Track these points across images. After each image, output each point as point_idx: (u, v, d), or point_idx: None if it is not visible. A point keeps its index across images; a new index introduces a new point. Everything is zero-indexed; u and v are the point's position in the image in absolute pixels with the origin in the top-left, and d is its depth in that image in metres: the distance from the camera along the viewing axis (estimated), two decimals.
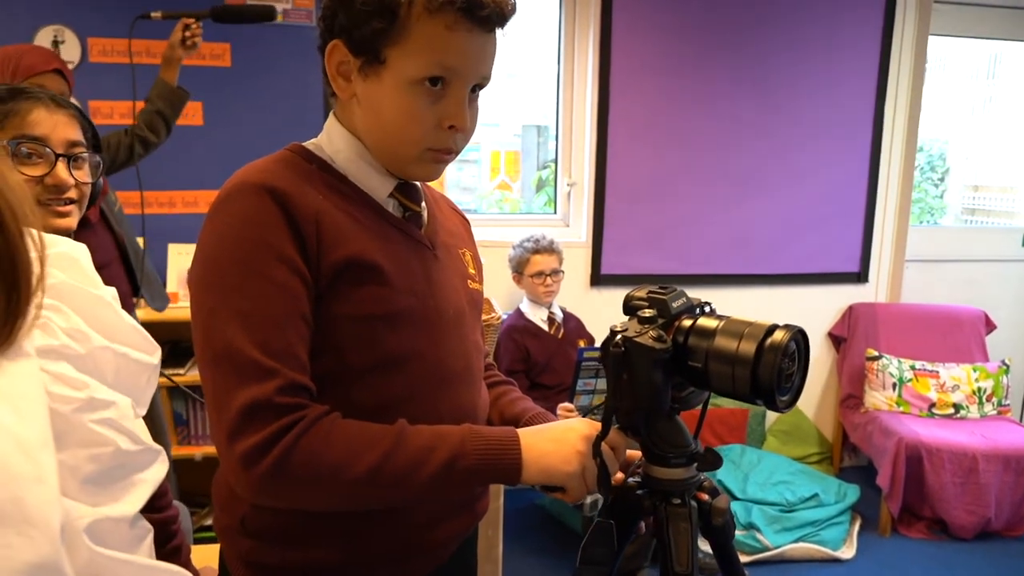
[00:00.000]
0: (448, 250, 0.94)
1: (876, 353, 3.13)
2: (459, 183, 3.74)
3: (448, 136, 0.81)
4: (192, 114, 2.68)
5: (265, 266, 0.74)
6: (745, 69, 3.04)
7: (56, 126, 1.12)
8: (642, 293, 0.84)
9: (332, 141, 0.86)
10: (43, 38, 2.56)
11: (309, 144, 0.87)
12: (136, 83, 2.07)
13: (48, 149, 1.11)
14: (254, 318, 0.73)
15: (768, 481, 2.88)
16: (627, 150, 3.02)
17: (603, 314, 3.07)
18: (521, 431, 0.82)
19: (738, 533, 2.68)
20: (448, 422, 0.81)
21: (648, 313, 0.80)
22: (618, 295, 3.09)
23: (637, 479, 0.84)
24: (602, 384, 2.44)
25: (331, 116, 0.88)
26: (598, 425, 0.81)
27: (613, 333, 0.78)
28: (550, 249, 2.69)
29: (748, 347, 0.75)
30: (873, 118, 3.18)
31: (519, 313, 2.71)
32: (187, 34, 2.01)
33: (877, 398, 3.08)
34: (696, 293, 3.10)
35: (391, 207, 0.87)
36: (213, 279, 0.75)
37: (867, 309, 3.27)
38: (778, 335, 0.75)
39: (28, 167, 1.09)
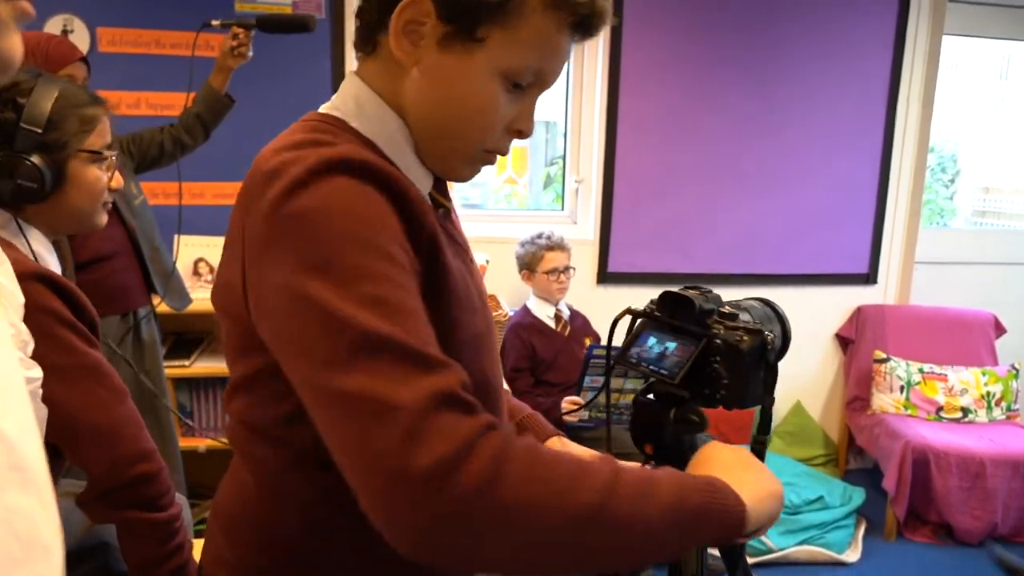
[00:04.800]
0: (469, 249, 0.84)
1: (884, 355, 3.11)
2: None
3: (507, 140, 0.73)
4: None
5: (390, 246, 0.59)
6: (756, 67, 3.01)
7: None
8: (695, 292, 0.81)
9: (368, 118, 0.70)
10: (52, 27, 2.55)
11: (333, 111, 0.72)
12: (143, 73, 2.07)
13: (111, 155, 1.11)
14: (392, 305, 0.56)
15: None
16: (635, 147, 3.00)
17: (609, 312, 3.03)
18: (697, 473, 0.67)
19: None
20: None
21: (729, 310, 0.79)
22: (625, 293, 3.09)
23: None
24: (612, 382, 2.42)
25: (357, 82, 0.72)
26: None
27: (759, 332, 0.75)
28: (562, 246, 2.67)
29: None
30: (885, 117, 3.15)
31: (525, 310, 2.69)
32: (234, 43, 2.00)
33: (884, 400, 3.06)
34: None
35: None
36: (324, 264, 0.57)
37: (875, 311, 3.25)
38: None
39: (103, 173, 1.09)
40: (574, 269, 2.71)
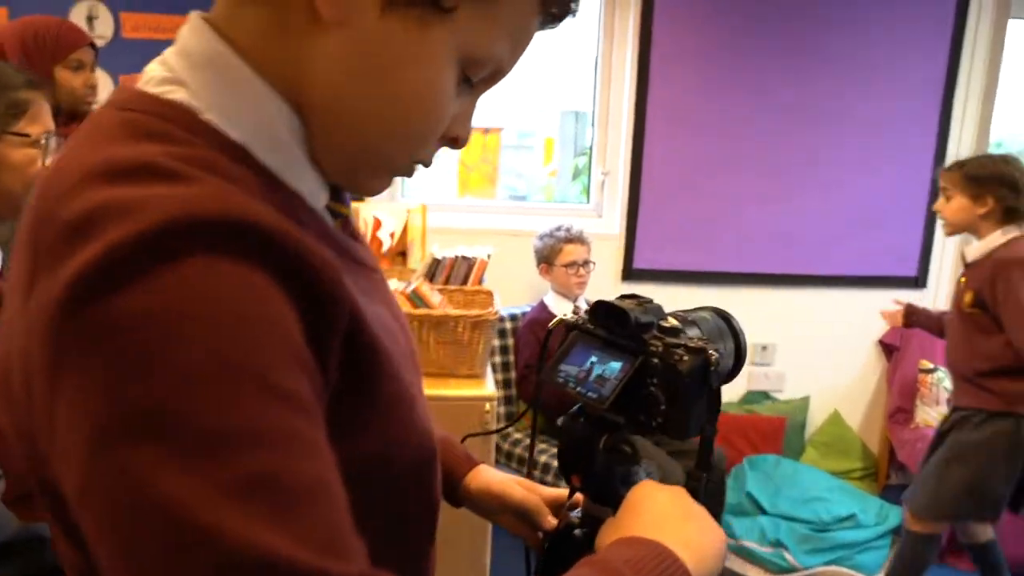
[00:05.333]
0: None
1: (931, 365, 2.89)
2: (513, 170, 3.65)
3: (439, 148, 0.55)
4: None
5: (281, 374, 0.38)
6: (797, 53, 2.82)
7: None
8: (631, 302, 0.70)
9: (234, 102, 0.47)
10: (78, 14, 2.57)
11: (172, 92, 0.46)
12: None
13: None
14: (281, 489, 0.36)
15: (802, 497, 2.70)
16: (665, 138, 2.85)
17: None
18: (633, 529, 0.56)
19: (764, 551, 2.52)
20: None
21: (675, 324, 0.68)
22: (651, 291, 2.93)
23: (576, 517, 0.72)
24: None
25: (212, 37, 0.47)
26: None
27: (701, 350, 0.63)
28: (581, 239, 2.57)
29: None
30: (940, 108, 2.92)
31: (542, 306, 2.60)
32: None
33: (929, 414, 2.85)
34: (736, 293, 2.92)
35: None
36: (165, 417, 0.35)
37: None
38: None
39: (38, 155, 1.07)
40: (594, 263, 2.60)
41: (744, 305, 3.00)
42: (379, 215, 2.29)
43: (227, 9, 0.49)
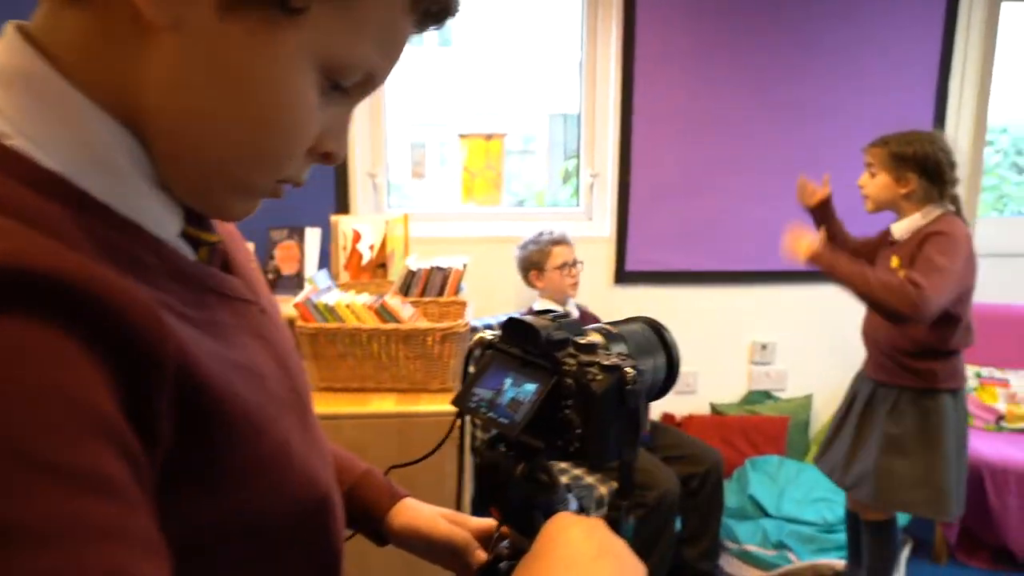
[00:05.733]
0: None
1: None
2: (517, 175, 3.62)
3: (309, 164, 0.50)
4: None
5: (83, 452, 0.33)
6: (785, 49, 2.77)
7: None
8: (543, 319, 0.66)
9: (48, 124, 0.41)
10: None
11: None
12: None
13: None
14: None
15: (807, 498, 2.63)
16: (654, 138, 2.80)
17: (628, 314, 2.86)
18: (541, 570, 0.52)
19: (768, 553, 2.46)
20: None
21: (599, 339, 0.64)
22: (644, 293, 2.92)
23: (506, 548, 0.68)
24: None
25: (24, 49, 0.41)
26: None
27: (616, 368, 0.58)
28: (566, 240, 2.54)
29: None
30: (936, 96, 2.85)
31: (530, 313, 2.56)
32: None
33: None
34: (733, 292, 2.85)
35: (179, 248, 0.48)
36: None
37: None
38: None
39: None
40: (582, 263, 2.56)
41: (742, 303, 2.95)
42: (358, 227, 2.27)
43: (45, 18, 0.42)
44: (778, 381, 3.03)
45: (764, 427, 2.91)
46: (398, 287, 1.84)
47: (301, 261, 2.63)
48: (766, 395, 3.02)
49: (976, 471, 2.45)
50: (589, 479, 2.22)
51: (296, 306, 1.54)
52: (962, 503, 1.96)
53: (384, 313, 1.55)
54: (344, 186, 2.75)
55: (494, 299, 2.80)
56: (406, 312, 1.62)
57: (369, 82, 0.49)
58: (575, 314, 2.58)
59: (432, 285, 1.84)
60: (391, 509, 0.73)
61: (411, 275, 1.83)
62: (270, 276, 2.62)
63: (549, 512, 0.62)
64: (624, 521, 0.62)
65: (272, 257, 2.64)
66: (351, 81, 0.47)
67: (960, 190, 2.93)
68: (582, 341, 0.62)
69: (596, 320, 2.68)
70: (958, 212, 1.94)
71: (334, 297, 1.58)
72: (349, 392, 1.56)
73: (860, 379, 2.12)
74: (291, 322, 1.54)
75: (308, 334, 1.51)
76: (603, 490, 2.18)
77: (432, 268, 1.83)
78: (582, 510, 0.68)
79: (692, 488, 2.27)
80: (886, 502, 1.97)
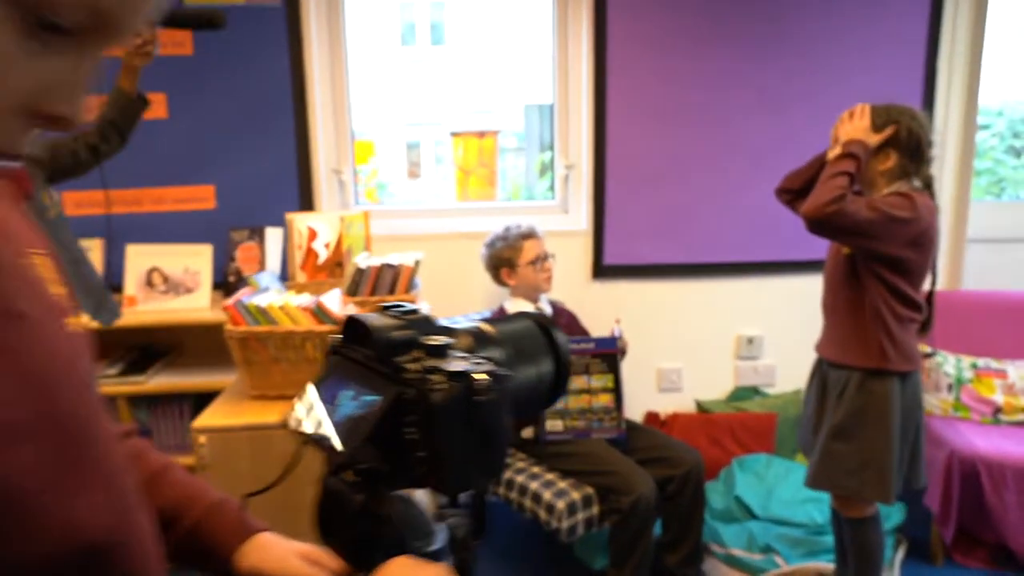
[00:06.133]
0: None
1: (929, 349, 2.69)
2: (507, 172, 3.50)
3: (29, 129, 0.41)
4: (155, 106, 2.55)
5: None
6: (765, 27, 2.65)
7: None
8: (387, 316, 0.55)
9: None
10: None
11: None
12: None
13: None
14: None
15: (795, 498, 2.52)
16: (630, 126, 2.69)
17: (606, 310, 2.77)
18: None
19: (755, 558, 2.35)
20: None
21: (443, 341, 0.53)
22: (623, 288, 2.79)
23: None
24: (573, 383, 2.17)
25: None
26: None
27: (463, 375, 0.48)
28: (535, 233, 2.43)
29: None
30: (924, 76, 2.72)
31: (500, 312, 2.45)
32: (138, 40, 1.86)
33: (929, 401, 2.65)
34: (716, 284, 2.71)
35: None
36: None
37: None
38: None
39: None
40: (554, 256, 2.45)
41: (726, 296, 2.84)
42: (314, 225, 2.16)
43: None
44: (766, 376, 2.92)
45: (752, 424, 2.79)
46: (347, 286, 1.74)
47: (262, 262, 2.53)
48: (754, 391, 2.91)
49: (971, 467, 2.33)
50: (575, 494, 2.11)
51: (226, 308, 1.44)
52: (921, 481, 1.91)
53: (321, 314, 1.45)
54: (308, 183, 2.65)
55: (463, 297, 2.70)
56: (346, 311, 1.51)
57: (103, 24, 0.38)
58: (548, 311, 2.47)
59: (382, 283, 1.74)
60: (239, 548, 0.62)
61: (360, 273, 1.73)
62: (231, 279, 2.52)
63: (392, 551, 0.51)
64: (474, 565, 0.51)
65: (233, 259, 2.55)
66: (70, 20, 0.37)
67: (948, 173, 2.82)
68: (430, 343, 0.52)
69: (572, 317, 2.57)
70: (929, 192, 1.82)
71: (267, 299, 1.48)
72: (284, 400, 1.45)
73: (819, 356, 2.03)
74: (221, 326, 1.44)
75: (237, 338, 1.41)
76: (576, 496, 2.07)
77: (382, 266, 1.73)
78: (455, 542, 0.57)
79: (671, 491, 2.16)
80: (829, 485, 1.91)
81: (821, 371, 2.00)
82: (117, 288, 2.43)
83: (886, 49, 2.69)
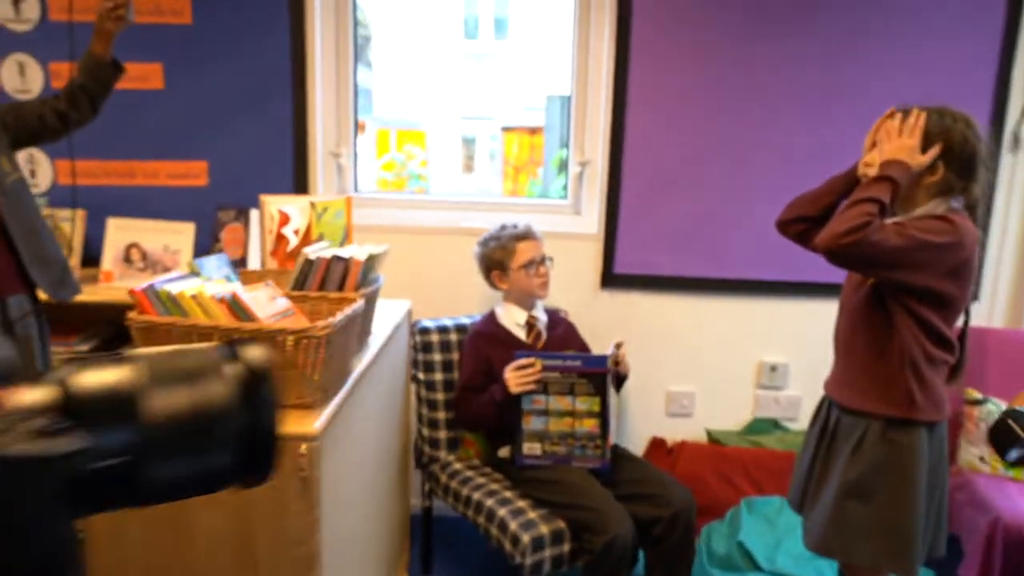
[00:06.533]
0: None
1: (980, 396, 2.36)
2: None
3: None
4: (151, 77, 2.45)
5: None
6: (809, 13, 2.36)
7: None
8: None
9: None
10: None
11: None
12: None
13: None
14: None
15: (807, 552, 2.22)
16: (651, 119, 2.44)
17: (614, 322, 2.54)
18: None
19: None
20: None
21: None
22: (634, 301, 2.52)
23: None
24: (555, 403, 1.95)
25: None
26: None
27: None
28: (532, 234, 2.22)
29: None
30: (995, 81, 2.38)
31: (491, 318, 2.25)
32: (109, 4, 1.75)
33: (974, 456, 2.32)
34: (738, 304, 2.40)
35: None
36: None
37: (974, 336, 2.48)
38: None
39: None
40: (551, 259, 2.23)
41: (750, 317, 2.56)
42: (286, 209, 2.01)
43: None
44: (789, 409, 2.63)
45: (768, 462, 2.51)
46: (294, 279, 1.57)
47: (246, 245, 2.40)
48: (774, 424, 2.62)
49: (1018, 538, 2.00)
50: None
51: (133, 293, 1.28)
52: (941, 550, 1.60)
53: (236, 308, 1.28)
54: (303, 165, 2.50)
55: (458, 297, 2.50)
56: (274, 307, 1.34)
57: None
58: (543, 320, 2.25)
59: (332, 278, 1.56)
60: None
61: (308, 265, 1.56)
62: None
63: None
64: None
65: (218, 240, 2.42)
66: None
67: (1020, 197, 2.46)
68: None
69: (570, 328, 2.35)
70: (972, 216, 1.52)
71: (183, 286, 1.31)
72: None
73: (824, 402, 1.75)
74: (125, 310, 1.29)
75: (140, 328, 1.25)
76: (544, 530, 1.85)
77: (332, 258, 1.55)
78: None
79: (657, 534, 1.92)
80: (839, 551, 1.62)
81: (827, 414, 1.71)
82: (95, 261, 2.34)
83: (950, 47, 2.36)
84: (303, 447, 1.18)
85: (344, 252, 1.58)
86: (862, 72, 2.38)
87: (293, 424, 1.21)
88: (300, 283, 1.57)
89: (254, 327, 1.24)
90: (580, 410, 1.94)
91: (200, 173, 2.50)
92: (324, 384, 1.31)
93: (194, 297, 1.28)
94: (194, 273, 1.49)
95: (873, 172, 1.51)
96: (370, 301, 1.67)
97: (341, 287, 1.56)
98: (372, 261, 1.60)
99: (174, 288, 1.29)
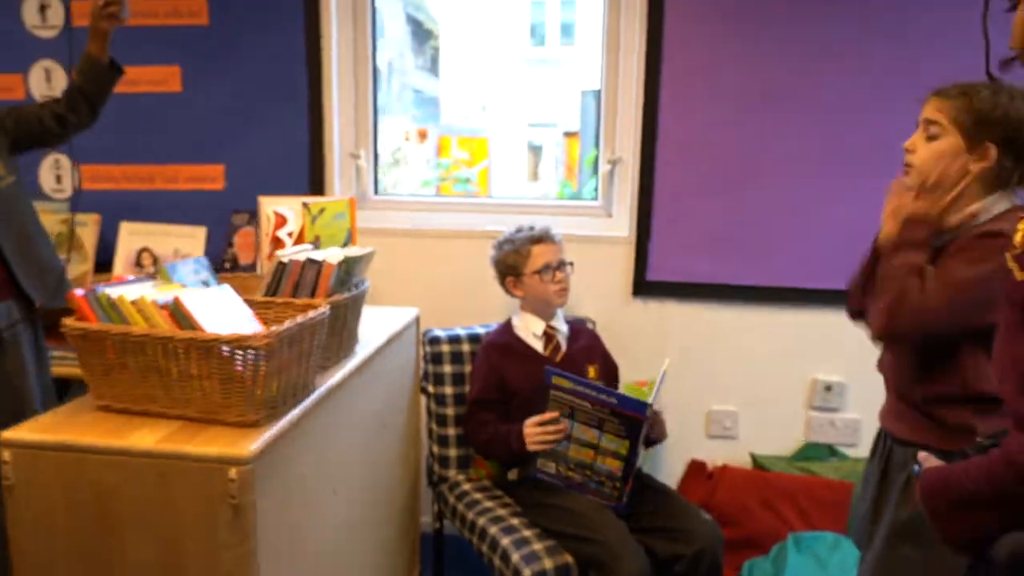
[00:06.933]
0: None
1: None
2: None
3: None
4: (169, 80, 2.42)
5: None
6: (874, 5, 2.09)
7: None
8: None
9: None
10: (29, 5, 2.44)
11: None
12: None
13: None
14: None
15: None
16: (686, 112, 2.23)
17: (646, 333, 2.33)
18: None
19: None
20: None
21: None
22: (669, 311, 2.27)
23: None
24: (580, 431, 1.75)
25: None
26: None
27: None
28: (550, 237, 2.04)
29: None
30: None
31: (506, 327, 2.08)
32: (101, 2, 1.71)
33: None
34: (787, 315, 2.13)
35: None
36: None
37: None
38: None
39: None
40: (571, 265, 2.05)
41: (802, 331, 2.30)
42: (282, 210, 1.91)
43: None
44: (846, 434, 2.34)
45: (820, 492, 2.23)
46: (267, 283, 1.46)
47: (257, 249, 2.32)
48: (829, 450, 2.34)
49: None
50: (537, 545, 1.71)
51: (71, 297, 1.19)
52: None
53: (178, 315, 1.17)
54: (319, 167, 2.42)
55: (477, 304, 2.34)
56: (228, 314, 1.22)
57: None
58: (563, 331, 2.07)
59: (304, 283, 1.43)
60: None
61: (281, 268, 1.44)
62: (227, 265, 2.33)
63: None
64: None
65: (231, 244, 2.36)
66: None
67: None
68: None
69: (594, 338, 2.15)
70: None
71: (124, 290, 1.21)
72: (131, 415, 1.19)
73: (880, 436, 1.51)
74: (61, 315, 1.20)
75: (76, 335, 1.16)
76: (548, 564, 1.66)
77: (305, 261, 1.43)
78: None
79: (680, 572, 1.70)
80: None
81: (885, 445, 1.47)
82: (109, 266, 2.31)
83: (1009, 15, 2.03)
84: (232, 471, 1.05)
85: (319, 255, 1.45)
86: (912, 53, 2.09)
87: (222, 445, 1.08)
88: (273, 288, 1.45)
89: (188, 336, 1.12)
90: (606, 447, 1.74)
91: (217, 176, 2.45)
92: (271, 401, 1.17)
93: (134, 303, 1.18)
94: (163, 278, 1.40)
95: (913, 160, 1.29)
96: (352, 308, 1.54)
97: (313, 292, 1.43)
98: (349, 264, 1.46)
99: (115, 293, 1.19)
